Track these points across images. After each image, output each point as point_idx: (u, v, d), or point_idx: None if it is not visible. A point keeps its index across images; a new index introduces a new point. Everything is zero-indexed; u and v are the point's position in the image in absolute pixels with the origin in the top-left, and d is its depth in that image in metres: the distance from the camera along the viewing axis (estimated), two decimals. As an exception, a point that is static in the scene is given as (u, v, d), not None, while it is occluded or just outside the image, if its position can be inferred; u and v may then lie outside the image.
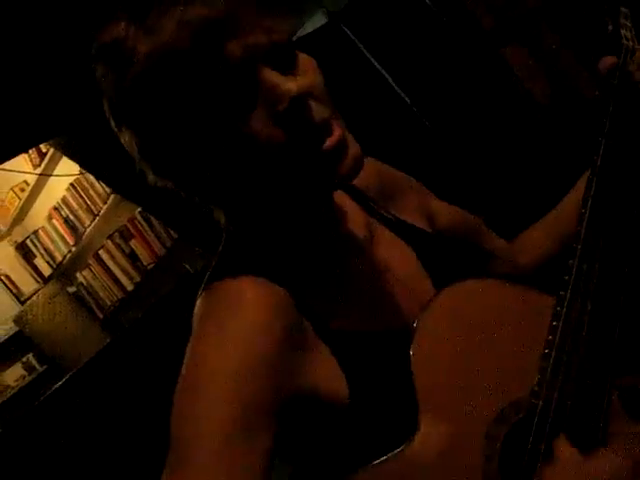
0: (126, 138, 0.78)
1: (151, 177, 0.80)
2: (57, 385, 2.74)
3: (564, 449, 0.72)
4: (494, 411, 0.75)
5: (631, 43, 1.00)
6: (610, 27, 1.01)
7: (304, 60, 0.77)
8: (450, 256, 0.95)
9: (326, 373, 0.77)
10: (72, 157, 3.27)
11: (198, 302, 0.80)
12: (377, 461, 0.72)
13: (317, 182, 0.77)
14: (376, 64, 2.81)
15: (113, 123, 0.78)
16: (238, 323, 0.74)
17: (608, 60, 0.97)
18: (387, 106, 2.79)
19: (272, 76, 0.73)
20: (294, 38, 2.88)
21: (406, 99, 2.79)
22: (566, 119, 0.89)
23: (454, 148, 2.70)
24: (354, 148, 0.76)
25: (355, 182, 0.98)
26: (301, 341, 0.77)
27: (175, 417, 0.71)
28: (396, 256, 0.92)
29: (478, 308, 0.79)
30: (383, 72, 2.80)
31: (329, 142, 0.74)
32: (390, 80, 2.80)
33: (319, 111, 0.74)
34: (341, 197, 0.92)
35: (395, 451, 0.73)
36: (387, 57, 2.78)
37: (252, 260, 0.82)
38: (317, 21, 2.85)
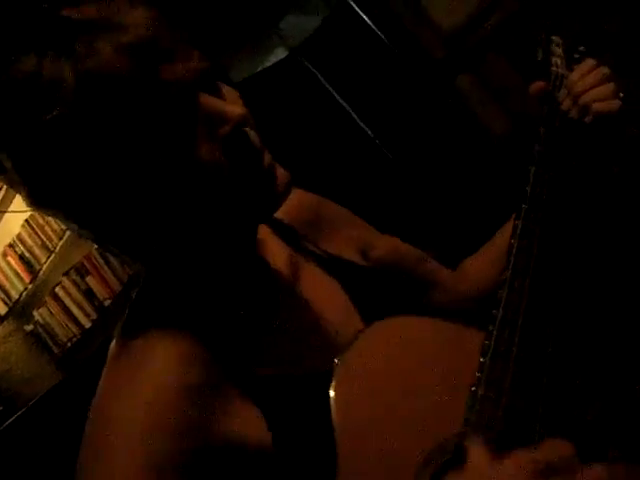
0: (30, 190, 0.69)
1: (66, 223, 0.73)
2: (7, 423, 2.66)
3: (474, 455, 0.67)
4: (420, 454, 0.70)
5: (560, 70, 0.99)
6: (540, 55, 1.01)
7: (229, 90, 0.75)
8: (382, 290, 0.92)
9: (248, 423, 0.73)
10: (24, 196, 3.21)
11: (108, 355, 0.76)
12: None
13: (252, 206, 0.74)
14: (337, 97, 2.81)
15: (17, 177, 0.69)
16: (141, 386, 0.70)
17: (536, 85, 0.96)
18: (348, 138, 2.79)
19: (213, 101, 0.70)
20: (255, 72, 2.90)
21: (368, 131, 2.80)
22: (524, 148, 0.88)
23: (416, 180, 2.70)
24: (282, 171, 0.75)
25: (281, 215, 0.94)
26: (217, 394, 0.73)
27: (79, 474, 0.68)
28: (323, 293, 0.88)
29: (402, 347, 0.75)
30: (344, 104, 2.80)
31: (265, 163, 0.72)
32: (351, 112, 2.80)
33: (255, 136, 0.72)
34: (264, 232, 0.89)
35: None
36: (348, 90, 2.78)
37: (166, 310, 0.78)
38: (278, 55, 2.85)
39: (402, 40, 2.48)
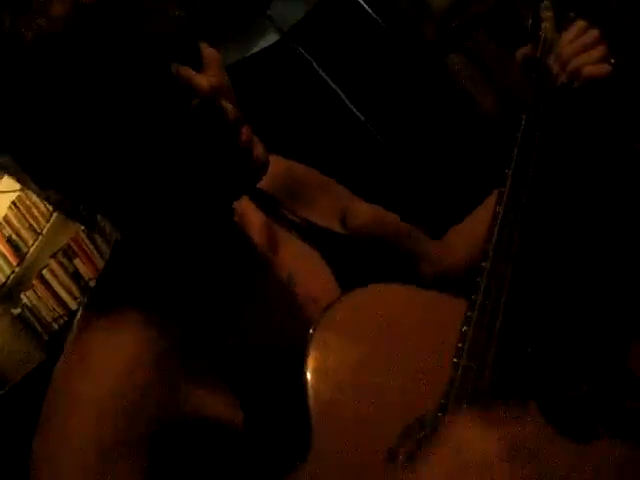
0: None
1: (33, 188, 0.70)
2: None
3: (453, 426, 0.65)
4: (398, 427, 0.68)
5: (550, 35, 0.95)
6: (530, 21, 0.97)
7: (210, 53, 0.71)
8: (363, 261, 0.89)
9: (217, 398, 0.70)
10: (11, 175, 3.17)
11: (73, 326, 0.73)
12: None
13: (230, 182, 0.70)
14: (329, 81, 2.79)
15: None
16: (103, 353, 0.68)
17: (522, 50, 0.93)
18: (340, 123, 2.77)
19: (184, 70, 0.66)
20: (246, 55, 2.86)
21: (360, 116, 2.77)
22: (512, 125, 0.86)
23: (408, 164, 2.67)
24: (260, 148, 0.71)
25: (261, 183, 0.91)
26: (184, 370, 0.70)
27: (33, 454, 0.65)
28: (302, 263, 0.85)
29: (379, 316, 0.73)
30: (336, 89, 2.78)
31: (241, 141, 0.68)
32: (343, 97, 2.78)
33: (230, 109, 0.68)
34: (243, 200, 0.86)
35: (289, 474, 0.65)
36: (339, 74, 2.76)
37: (135, 280, 0.75)
38: (268, 39, 2.82)
39: (395, 20, 2.45)
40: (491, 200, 1.02)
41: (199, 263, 0.79)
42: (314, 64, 2.76)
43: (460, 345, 0.70)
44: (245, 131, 0.69)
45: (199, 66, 0.68)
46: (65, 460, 0.63)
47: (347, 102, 2.77)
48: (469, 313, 0.72)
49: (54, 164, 0.66)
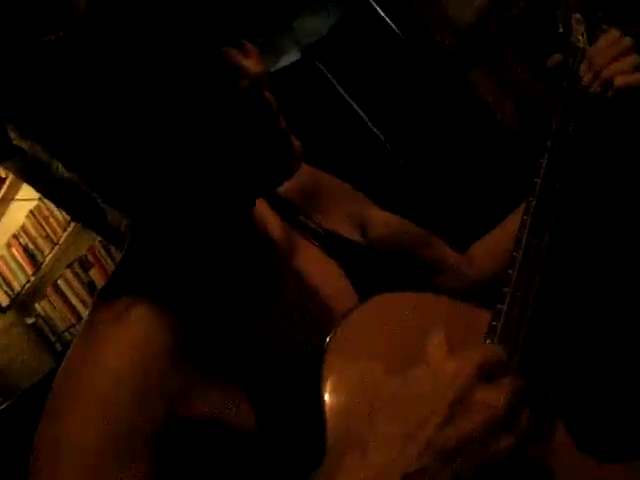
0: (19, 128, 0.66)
1: (53, 169, 0.69)
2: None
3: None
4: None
5: (582, 45, 0.93)
6: (561, 29, 0.95)
7: (252, 49, 0.70)
8: (382, 271, 0.86)
9: (230, 399, 0.68)
10: (31, 183, 3.18)
11: (84, 320, 0.72)
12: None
13: (270, 169, 0.70)
14: (349, 99, 2.78)
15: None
16: (113, 346, 0.66)
17: (555, 57, 0.91)
18: (360, 142, 2.76)
19: (234, 53, 0.66)
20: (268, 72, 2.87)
21: (380, 135, 2.76)
22: (535, 146, 0.83)
23: (427, 182, 2.66)
24: (296, 141, 0.72)
25: (281, 189, 0.90)
26: (194, 366, 0.68)
27: (39, 433, 0.64)
28: (319, 270, 0.83)
29: (398, 324, 0.70)
30: (357, 108, 2.77)
31: (282, 124, 0.69)
32: (363, 116, 2.77)
33: (272, 98, 0.69)
34: (260, 204, 0.84)
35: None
36: (360, 92, 2.75)
37: (150, 273, 0.73)
38: (291, 56, 2.83)
39: (417, 34, 2.44)
40: (517, 214, 1.00)
41: (216, 262, 0.77)
42: (335, 82, 2.76)
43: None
44: (282, 122, 0.70)
45: (248, 54, 0.69)
46: (64, 459, 0.61)
47: (367, 121, 2.76)
48: (494, 323, 0.69)
49: (88, 144, 0.65)
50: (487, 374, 0.60)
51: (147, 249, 0.76)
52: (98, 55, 0.60)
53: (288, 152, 0.70)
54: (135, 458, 0.61)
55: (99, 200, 0.73)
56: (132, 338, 0.66)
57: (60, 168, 0.70)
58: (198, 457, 0.67)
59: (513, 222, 0.99)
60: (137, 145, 0.64)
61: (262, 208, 0.85)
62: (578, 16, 1.00)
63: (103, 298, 0.72)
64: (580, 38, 0.95)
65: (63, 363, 0.68)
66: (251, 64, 0.67)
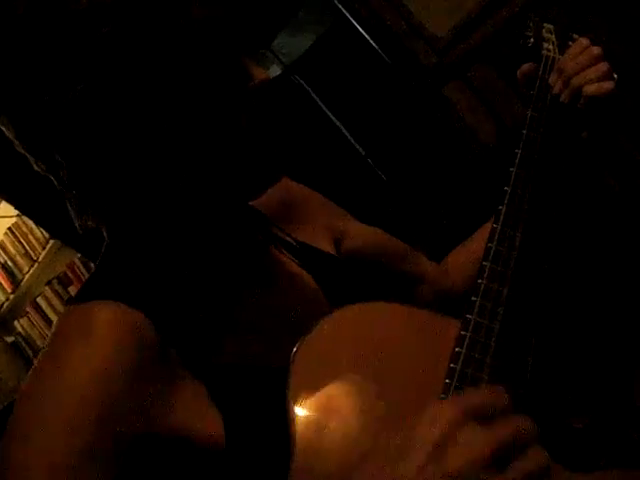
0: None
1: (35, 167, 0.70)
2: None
3: None
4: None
5: (552, 54, 0.94)
6: (531, 40, 0.96)
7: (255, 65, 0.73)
8: (356, 283, 0.86)
9: (197, 413, 0.67)
10: (9, 200, 3.16)
11: (52, 327, 0.71)
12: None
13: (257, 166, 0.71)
14: (330, 115, 2.79)
15: None
16: (80, 357, 0.65)
17: (525, 67, 0.91)
18: (340, 157, 2.76)
19: (245, 59, 0.70)
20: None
21: (361, 150, 2.77)
22: (509, 154, 0.84)
23: (407, 198, 2.66)
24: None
25: (255, 202, 0.89)
26: (163, 378, 0.67)
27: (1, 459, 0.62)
28: (291, 284, 0.83)
29: (366, 335, 0.70)
30: (337, 123, 2.78)
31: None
32: (344, 131, 2.77)
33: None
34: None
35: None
36: (340, 108, 2.76)
37: (123, 283, 0.72)
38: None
39: (394, 50, 2.46)
40: (489, 225, 0.99)
41: (186, 273, 0.76)
42: (316, 97, 2.77)
43: (452, 365, 0.66)
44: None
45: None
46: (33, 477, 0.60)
47: (348, 136, 2.77)
48: (463, 332, 0.68)
49: (74, 142, 0.65)
50: (480, 415, 0.57)
51: (119, 260, 0.75)
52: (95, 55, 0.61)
53: (274, 157, 0.72)
54: (101, 475, 0.60)
55: (72, 203, 0.72)
56: (100, 354, 0.65)
57: (38, 165, 0.69)
58: (165, 472, 0.66)
59: (485, 232, 0.99)
60: (131, 145, 0.65)
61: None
62: (549, 26, 1.01)
63: (72, 309, 0.71)
64: (551, 48, 0.96)
65: (27, 377, 0.66)
66: (259, 69, 0.70)
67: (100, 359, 0.64)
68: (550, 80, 0.91)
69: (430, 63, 2.10)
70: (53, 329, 0.70)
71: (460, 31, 1.98)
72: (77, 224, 0.72)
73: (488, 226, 0.99)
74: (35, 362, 0.68)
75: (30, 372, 0.67)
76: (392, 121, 2.71)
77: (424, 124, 2.58)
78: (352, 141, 2.77)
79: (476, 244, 1.00)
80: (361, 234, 0.98)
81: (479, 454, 0.54)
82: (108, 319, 0.67)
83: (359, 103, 2.78)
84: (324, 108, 2.79)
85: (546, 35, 0.97)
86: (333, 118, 2.80)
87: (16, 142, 0.68)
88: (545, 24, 0.99)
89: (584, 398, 0.83)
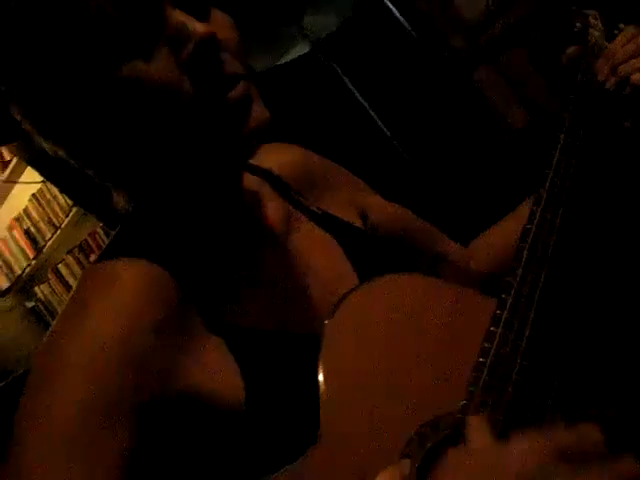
0: (10, 97, 0.68)
1: (41, 143, 0.70)
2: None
3: (476, 436, 0.59)
4: (413, 426, 0.63)
5: (599, 41, 0.93)
6: (578, 25, 0.94)
7: (218, 15, 0.69)
8: (382, 255, 0.85)
9: (217, 373, 0.66)
10: (34, 166, 3.17)
11: (75, 285, 0.71)
12: (271, 476, 0.61)
13: (219, 137, 0.67)
14: (357, 94, 2.77)
15: None
16: (101, 312, 0.64)
17: (572, 50, 0.90)
18: (366, 137, 2.75)
19: (181, 15, 0.63)
20: (275, 64, 2.87)
21: (386, 131, 2.75)
22: (542, 142, 0.83)
23: (431, 181, 2.64)
24: (260, 109, 0.67)
25: (279, 171, 0.89)
26: (184, 336, 0.67)
27: (20, 406, 0.62)
28: (318, 252, 0.82)
29: (399, 307, 0.68)
30: (364, 102, 2.76)
31: (234, 93, 0.65)
32: (370, 111, 2.76)
33: (230, 64, 0.65)
34: (259, 184, 0.83)
35: (287, 467, 0.61)
36: (367, 87, 2.74)
37: (142, 244, 0.72)
38: (300, 49, 2.82)
39: (426, 31, 2.43)
40: (519, 212, 0.99)
41: (209, 235, 0.76)
42: (343, 77, 2.75)
43: (486, 345, 0.66)
44: (242, 86, 0.66)
45: (203, 20, 0.66)
46: (48, 426, 0.60)
47: (374, 116, 2.75)
48: (498, 312, 0.68)
49: (73, 122, 0.66)
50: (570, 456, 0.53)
51: (141, 221, 0.75)
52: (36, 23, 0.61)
53: (241, 121, 0.66)
54: (120, 426, 0.60)
55: (95, 178, 0.73)
56: (122, 306, 0.64)
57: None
58: (179, 430, 0.65)
59: (514, 218, 0.99)
60: (84, 113, 0.65)
61: (260, 187, 0.84)
62: (595, 13, 0.99)
63: (93, 269, 0.71)
64: (597, 34, 0.95)
65: (47, 335, 0.66)
66: (199, 25, 0.63)
67: (125, 310, 0.64)
68: (597, 66, 0.90)
69: (461, 46, 2.07)
70: (77, 283, 0.70)
71: (492, 14, 1.95)
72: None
73: (516, 214, 0.99)
74: (53, 323, 0.67)
75: (53, 323, 0.67)
76: (419, 102, 2.69)
77: (452, 107, 2.56)
78: (378, 121, 2.75)
79: (503, 231, 1.00)
80: (385, 209, 0.98)
81: None
82: (133, 273, 0.67)
83: (386, 83, 2.76)
84: (351, 87, 2.77)
85: (592, 21, 0.96)
86: (360, 98, 2.77)
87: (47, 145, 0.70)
88: (591, 10, 0.98)
89: (612, 386, 0.83)
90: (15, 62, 0.65)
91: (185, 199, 0.74)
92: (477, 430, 0.60)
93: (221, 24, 0.67)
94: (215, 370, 0.66)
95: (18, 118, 0.68)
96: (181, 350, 0.65)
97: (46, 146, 0.70)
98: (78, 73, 0.63)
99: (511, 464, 0.54)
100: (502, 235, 1.00)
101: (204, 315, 0.69)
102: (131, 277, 0.67)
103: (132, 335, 0.63)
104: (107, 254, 0.72)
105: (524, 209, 0.99)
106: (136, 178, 0.72)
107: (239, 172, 0.77)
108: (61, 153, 0.70)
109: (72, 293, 0.69)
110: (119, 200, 0.75)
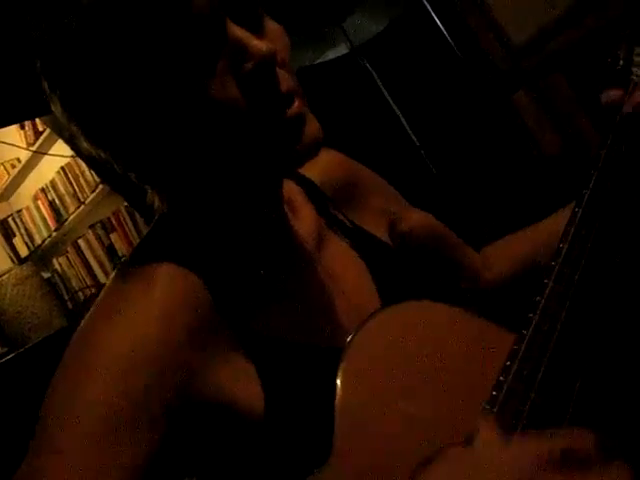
0: (58, 100, 0.67)
1: (84, 145, 0.70)
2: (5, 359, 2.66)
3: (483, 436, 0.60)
4: (423, 453, 0.64)
5: None
6: (621, 62, 0.94)
7: (273, 26, 0.69)
8: (404, 269, 0.87)
9: (239, 382, 0.68)
10: (66, 140, 3.20)
11: (109, 280, 0.72)
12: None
13: (274, 154, 0.68)
14: (390, 100, 2.77)
15: (46, 84, 0.67)
16: (136, 311, 0.66)
17: (613, 92, 0.89)
18: (394, 143, 2.75)
19: (241, 32, 0.64)
20: (314, 63, 2.88)
21: (415, 140, 2.75)
22: (575, 170, 0.83)
23: (456, 195, 2.64)
24: (314, 125, 0.69)
25: (314, 177, 0.90)
26: (212, 342, 0.68)
27: (48, 397, 0.63)
28: (344, 265, 0.83)
29: (421, 335, 0.70)
30: (396, 110, 2.76)
31: (290, 111, 0.66)
32: (402, 119, 2.76)
33: (286, 79, 0.67)
34: (294, 191, 0.84)
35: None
36: (402, 95, 2.74)
37: (177, 246, 0.73)
38: (339, 50, 2.82)
39: (469, 46, 2.43)
40: (538, 226, 1.00)
41: (242, 243, 0.77)
42: (378, 81, 2.75)
43: (501, 378, 0.67)
44: (298, 104, 0.67)
45: (259, 33, 0.67)
46: (69, 424, 0.61)
47: (405, 124, 2.75)
48: (516, 347, 0.69)
49: (116, 123, 0.66)
50: (565, 460, 0.55)
51: (174, 226, 0.76)
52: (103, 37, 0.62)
53: (297, 137, 0.67)
54: (151, 422, 0.62)
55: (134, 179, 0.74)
56: (157, 305, 0.66)
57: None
58: (202, 434, 0.67)
59: (536, 231, 1.01)
60: (142, 125, 0.66)
61: (297, 196, 0.85)
62: (639, 49, 0.98)
63: (127, 265, 0.73)
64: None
65: (84, 321, 0.68)
66: (260, 43, 0.64)
67: (159, 313, 0.66)
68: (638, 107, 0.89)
69: (504, 67, 2.07)
70: (111, 280, 0.71)
71: (539, 39, 1.95)
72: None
73: (535, 228, 1.01)
74: (92, 309, 0.69)
75: (84, 323, 0.68)
76: (452, 117, 2.69)
77: (485, 126, 2.55)
78: (408, 130, 2.75)
79: (519, 243, 1.02)
80: (416, 217, 0.99)
81: None
82: (169, 275, 0.69)
83: (422, 93, 2.76)
84: (385, 93, 2.77)
85: (636, 59, 0.95)
86: (393, 105, 2.78)
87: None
88: (636, 47, 0.97)
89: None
90: (76, 70, 0.65)
91: (225, 207, 0.75)
92: (484, 430, 0.61)
93: (276, 36, 0.68)
94: (238, 376, 0.68)
95: (63, 121, 0.68)
96: (208, 355, 0.67)
97: (90, 148, 0.70)
98: (142, 86, 0.63)
99: (509, 464, 0.55)
100: (514, 249, 1.02)
101: (231, 322, 0.70)
102: (168, 278, 0.69)
103: (166, 336, 0.65)
104: (141, 251, 0.74)
105: (538, 227, 1.00)
106: (179, 184, 0.73)
107: (281, 182, 0.78)
108: (104, 156, 0.70)
109: (106, 289, 0.70)
110: (154, 199, 0.77)
